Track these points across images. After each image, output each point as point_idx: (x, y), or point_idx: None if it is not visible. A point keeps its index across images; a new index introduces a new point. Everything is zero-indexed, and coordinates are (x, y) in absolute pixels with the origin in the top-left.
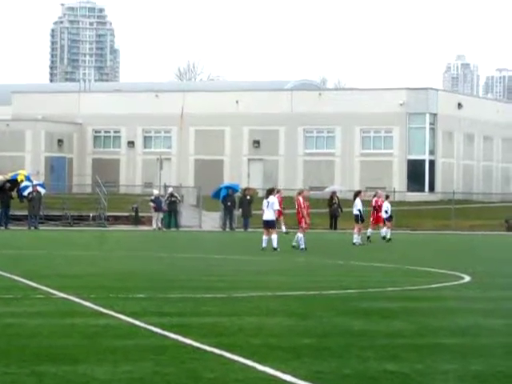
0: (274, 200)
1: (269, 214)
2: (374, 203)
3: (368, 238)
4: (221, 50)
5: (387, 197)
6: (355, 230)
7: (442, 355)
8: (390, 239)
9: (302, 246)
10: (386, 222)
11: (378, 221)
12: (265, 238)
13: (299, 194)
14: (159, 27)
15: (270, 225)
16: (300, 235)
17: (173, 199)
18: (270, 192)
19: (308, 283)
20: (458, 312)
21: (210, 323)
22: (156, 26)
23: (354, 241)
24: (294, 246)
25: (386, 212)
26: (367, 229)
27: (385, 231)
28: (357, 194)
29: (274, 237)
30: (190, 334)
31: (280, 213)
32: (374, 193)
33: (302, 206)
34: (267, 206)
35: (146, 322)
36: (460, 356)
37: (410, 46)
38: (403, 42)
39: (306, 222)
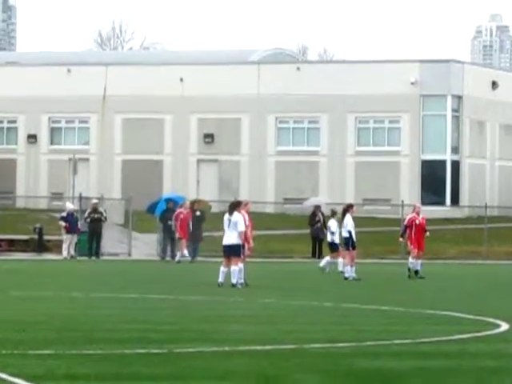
0: (238, 218)
1: (231, 237)
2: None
3: (416, 272)
4: (158, 9)
5: (333, 213)
6: (343, 259)
7: None
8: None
9: (240, 281)
10: (337, 252)
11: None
12: (223, 269)
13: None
14: None
15: (232, 251)
16: (240, 266)
17: (96, 216)
18: (234, 207)
19: (282, 334)
20: (495, 374)
21: None
22: None
23: (347, 275)
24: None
25: (333, 234)
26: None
27: (342, 264)
28: (347, 208)
29: (236, 268)
30: None
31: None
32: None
33: (246, 223)
34: (229, 225)
35: None
36: None
37: (424, 4)
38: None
39: (248, 248)
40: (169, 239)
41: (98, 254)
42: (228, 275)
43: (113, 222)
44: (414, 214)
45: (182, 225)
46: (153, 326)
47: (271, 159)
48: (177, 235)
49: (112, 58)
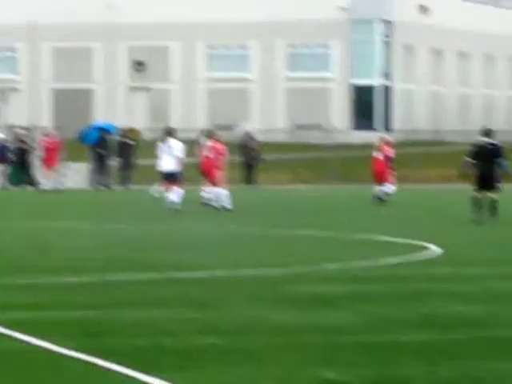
0: (175, 145)
1: (169, 163)
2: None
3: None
4: None
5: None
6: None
7: (400, 357)
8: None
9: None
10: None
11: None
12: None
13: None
14: None
15: (171, 177)
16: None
17: (23, 146)
18: (169, 133)
19: (215, 261)
20: (424, 297)
21: (76, 319)
22: None
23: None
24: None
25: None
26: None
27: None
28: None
29: (175, 193)
30: (48, 334)
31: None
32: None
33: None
34: (168, 151)
35: None
36: (425, 358)
37: None
38: None
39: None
40: (100, 168)
41: (32, 182)
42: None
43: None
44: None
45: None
46: (84, 255)
47: (201, 86)
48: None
49: None
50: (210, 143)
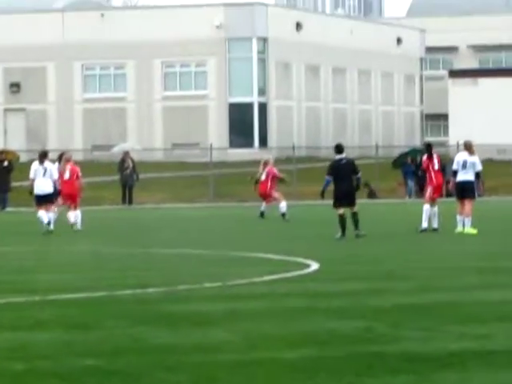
0: (51, 167)
1: (47, 186)
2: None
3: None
4: None
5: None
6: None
7: (279, 374)
8: None
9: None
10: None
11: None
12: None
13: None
14: None
15: (49, 199)
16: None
17: None
18: (45, 156)
19: (93, 281)
20: (303, 314)
21: None
22: None
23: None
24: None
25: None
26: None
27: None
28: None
29: (52, 215)
30: None
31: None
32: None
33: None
34: (44, 174)
35: None
36: (305, 375)
37: None
38: None
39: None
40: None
41: None
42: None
43: None
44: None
45: None
46: None
47: (78, 107)
48: None
49: None
50: (68, 165)
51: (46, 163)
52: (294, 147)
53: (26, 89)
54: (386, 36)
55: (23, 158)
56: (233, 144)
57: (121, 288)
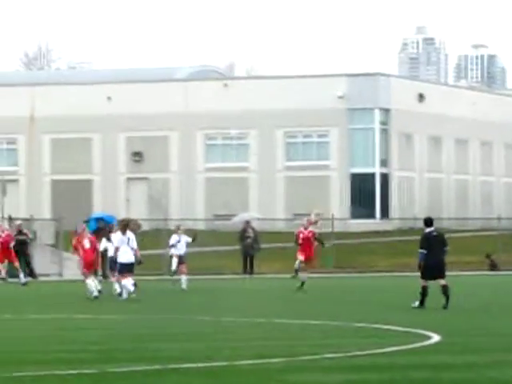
0: (132, 236)
1: (130, 254)
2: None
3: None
4: (85, 30)
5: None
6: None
7: None
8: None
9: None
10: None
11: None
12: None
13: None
14: None
15: (132, 268)
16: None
17: (21, 237)
18: (126, 225)
19: (213, 351)
20: None
21: None
22: None
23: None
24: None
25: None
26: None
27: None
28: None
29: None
30: None
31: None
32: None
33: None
34: (128, 243)
35: None
36: None
37: (351, 18)
38: (340, 11)
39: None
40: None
41: (32, 274)
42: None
43: (43, 242)
44: (301, 228)
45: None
46: (82, 346)
47: (200, 176)
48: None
49: (39, 78)
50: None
51: (128, 233)
52: (415, 218)
53: (149, 158)
54: (510, 107)
55: (145, 226)
56: (354, 215)
57: (241, 358)
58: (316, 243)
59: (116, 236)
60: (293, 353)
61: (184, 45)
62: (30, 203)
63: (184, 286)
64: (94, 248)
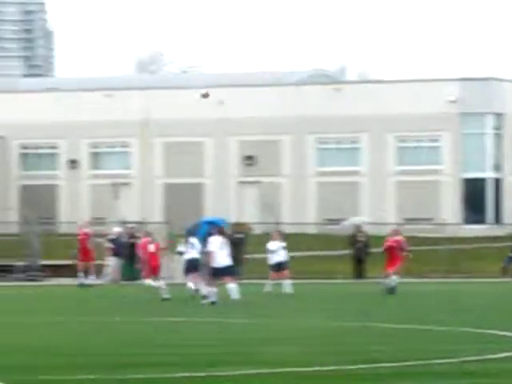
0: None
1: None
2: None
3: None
4: (196, 34)
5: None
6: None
7: None
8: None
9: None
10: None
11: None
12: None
13: None
14: (109, 1)
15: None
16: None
17: (133, 240)
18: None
19: (322, 355)
20: None
21: None
22: (105, 1)
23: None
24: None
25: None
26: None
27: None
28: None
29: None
30: None
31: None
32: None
33: None
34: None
35: None
36: None
37: (464, 22)
38: (454, 14)
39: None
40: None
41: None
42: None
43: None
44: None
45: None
46: (196, 349)
47: (312, 180)
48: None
49: (151, 82)
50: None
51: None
52: None
53: (261, 162)
54: None
55: (257, 230)
56: (466, 219)
57: (350, 363)
58: (403, 252)
59: (214, 240)
60: (402, 358)
61: (296, 48)
62: (142, 206)
63: (288, 290)
64: (157, 252)
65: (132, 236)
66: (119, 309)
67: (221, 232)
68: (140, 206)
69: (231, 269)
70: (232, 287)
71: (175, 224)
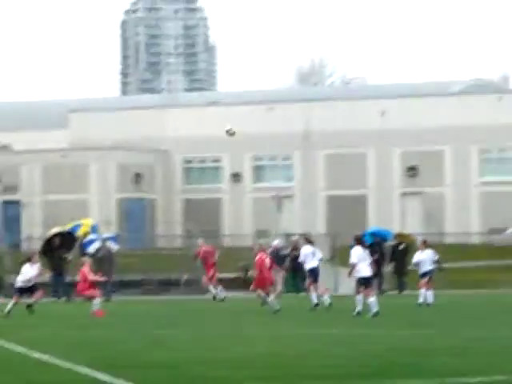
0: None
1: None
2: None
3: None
4: (357, 44)
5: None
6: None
7: None
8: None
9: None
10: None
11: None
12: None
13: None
14: (270, 14)
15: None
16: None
17: (297, 253)
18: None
19: (488, 366)
20: None
21: None
22: (265, 13)
23: None
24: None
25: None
26: None
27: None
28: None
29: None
30: None
31: None
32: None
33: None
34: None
35: None
36: None
37: None
38: None
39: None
40: (376, 273)
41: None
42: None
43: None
44: None
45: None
46: (362, 361)
47: (475, 190)
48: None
49: (313, 95)
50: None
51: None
52: None
53: (423, 172)
54: None
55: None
56: None
57: None
58: None
59: (355, 251)
60: None
61: (457, 58)
62: (305, 219)
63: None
64: (271, 268)
65: (295, 248)
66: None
67: (360, 242)
68: (303, 219)
69: (371, 280)
70: (372, 301)
71: (339, 236)
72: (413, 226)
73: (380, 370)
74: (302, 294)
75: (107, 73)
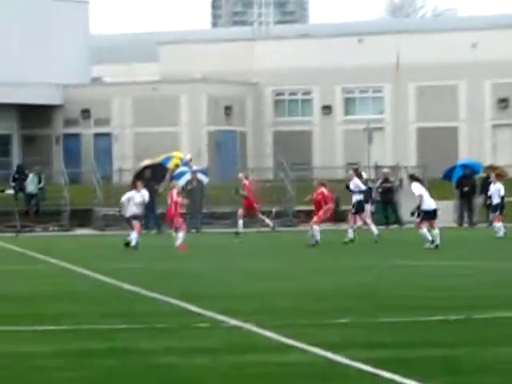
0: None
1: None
2: None
3: None
4: None
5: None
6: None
7: None
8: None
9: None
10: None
11: None
12: None
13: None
14: None
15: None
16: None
17: (387, 185)
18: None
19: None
20: None
21: (440, 357)
22: None
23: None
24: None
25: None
26: None
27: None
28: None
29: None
30: (412, 372)
31: None
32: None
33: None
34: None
35: (351, 358)
36: None
37: None
38: None
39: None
40: (465, 206)
41: (398, 221)
42: None
43: (409, 190)
44: None
45: None
46: (448, 293)
47: None
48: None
49: (404, 26)
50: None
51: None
52: None
53: None
54: None
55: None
56: None
57: None
58: None
59: (416, 185)
60: None
61: None
62: (395, 151)
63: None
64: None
65: (386, 180)
66: (376, 252)
67: (416, 179)
68: (393, 151)
69: (437, 212)
70: (436, 232)
71: (429, 167)
72: (504, 159)
73: (469, 302)
74: (393, 227)
75: (198, 5)
